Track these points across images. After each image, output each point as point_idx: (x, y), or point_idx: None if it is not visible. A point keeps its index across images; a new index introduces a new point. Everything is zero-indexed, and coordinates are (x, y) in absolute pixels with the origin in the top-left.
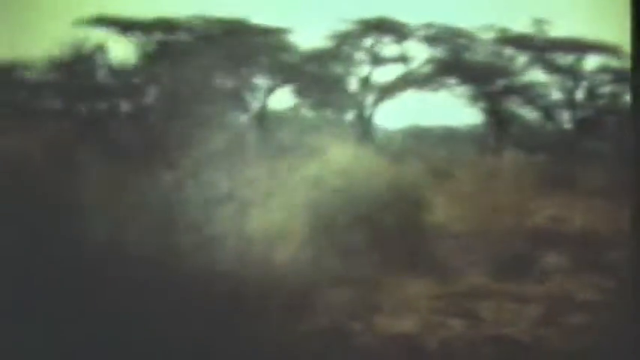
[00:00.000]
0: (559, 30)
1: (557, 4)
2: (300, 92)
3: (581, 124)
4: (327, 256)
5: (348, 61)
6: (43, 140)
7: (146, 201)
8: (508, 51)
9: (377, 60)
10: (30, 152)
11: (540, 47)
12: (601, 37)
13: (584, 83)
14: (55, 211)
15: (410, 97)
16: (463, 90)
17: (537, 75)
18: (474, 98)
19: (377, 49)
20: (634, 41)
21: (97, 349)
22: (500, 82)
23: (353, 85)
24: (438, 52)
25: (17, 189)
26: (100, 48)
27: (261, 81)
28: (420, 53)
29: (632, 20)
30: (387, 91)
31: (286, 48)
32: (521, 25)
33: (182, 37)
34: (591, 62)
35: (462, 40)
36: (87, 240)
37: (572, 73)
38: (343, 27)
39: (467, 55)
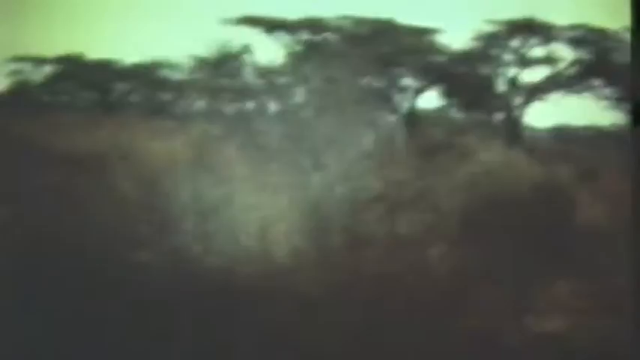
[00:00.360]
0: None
1: None
2: (448, 93)
3: None
4: (477, 256)
5: (496, 62)
6: (189, 140)
7: (294, 201)
8: None
9: (524, 61)
10: (175, 152)
11: None
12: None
13: None
14: (202, 212)
15: (557, 97)
16: (609, 92)
17: None
18: (620, 99)
19: (524, 50)
20: (634, 40)
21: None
22: None
23: (501, 86)
24: (584, 53)
25: (164, 190)
26: (247, 48)
27: (409, 81)
28: (566, 54)
29: (632, 19)
30: (535, 92)
31: (434, 49)
32: None
33: (329, 37)
34: None
35: (607, 42)
36: (235, 241)
37: None
38: (490, 28)
39: (612, 57)
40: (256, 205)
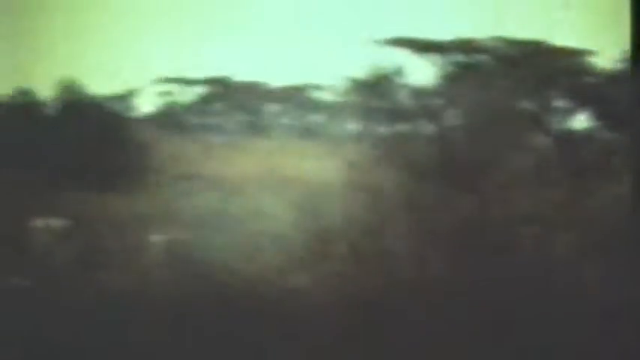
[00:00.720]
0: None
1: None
2: (599, 115)
3: None
4: (633, 275)
5: None
6: (342, 163)
7: (448, 224)
8: None
9: None
10: (328, 175)
11: None
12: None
13: None
14: (357, 235)
15: None
16: None
17: None
18: None
19: None
20: (634, 41)
21: None
22: None
23: None
24: None
25: (317, 212)
26: (400, 69)
27: (561, 103)
28: None
29: (631, 21)
30: None
31: (586, 70)
32: None
33: (481, 58)
34: None
35: None
36: (390, 263)
37: None
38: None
39: None
40: (410, 228)
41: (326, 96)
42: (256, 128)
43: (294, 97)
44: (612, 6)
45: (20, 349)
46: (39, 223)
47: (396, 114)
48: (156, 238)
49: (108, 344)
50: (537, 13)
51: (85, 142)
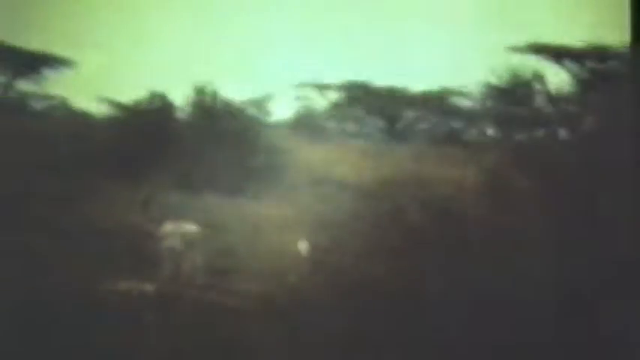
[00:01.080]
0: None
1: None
2: None
3: None
4: None
5: None
6: (480, 168)
7: (582, 228)
8: None
9: None
10: (466, 180)
11: None
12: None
13: None
14: (492, 241)
15: None
16: None
17: None
18: None
19: None
20: (634, 40)
21: None
22: None
23: None
24: None
25: (454, 217)
26: (538, 75)
27: None
28: None
29: (631, 20)
30: None
31: None
32: None
33: (614, 65)
34: None
35: None
36: (525, 270)
37: None
38: None
39: None
40: (546, 232)
41: (464, 102)
42: (394, 134)
43: (433, 102)
44: None
45: (148, 355)
46: (169, 227)
47: (534, 120)
48: (291, 242)
49: (237, 351)
50: None
51: (219, 147)
